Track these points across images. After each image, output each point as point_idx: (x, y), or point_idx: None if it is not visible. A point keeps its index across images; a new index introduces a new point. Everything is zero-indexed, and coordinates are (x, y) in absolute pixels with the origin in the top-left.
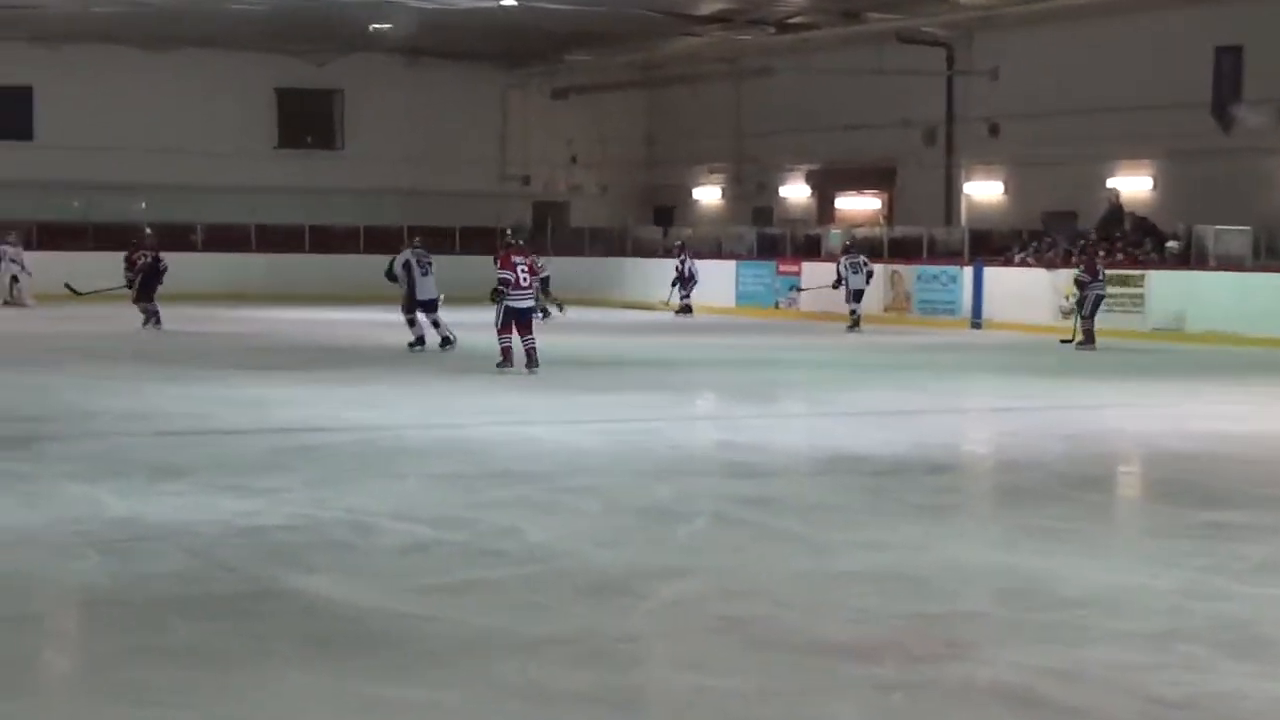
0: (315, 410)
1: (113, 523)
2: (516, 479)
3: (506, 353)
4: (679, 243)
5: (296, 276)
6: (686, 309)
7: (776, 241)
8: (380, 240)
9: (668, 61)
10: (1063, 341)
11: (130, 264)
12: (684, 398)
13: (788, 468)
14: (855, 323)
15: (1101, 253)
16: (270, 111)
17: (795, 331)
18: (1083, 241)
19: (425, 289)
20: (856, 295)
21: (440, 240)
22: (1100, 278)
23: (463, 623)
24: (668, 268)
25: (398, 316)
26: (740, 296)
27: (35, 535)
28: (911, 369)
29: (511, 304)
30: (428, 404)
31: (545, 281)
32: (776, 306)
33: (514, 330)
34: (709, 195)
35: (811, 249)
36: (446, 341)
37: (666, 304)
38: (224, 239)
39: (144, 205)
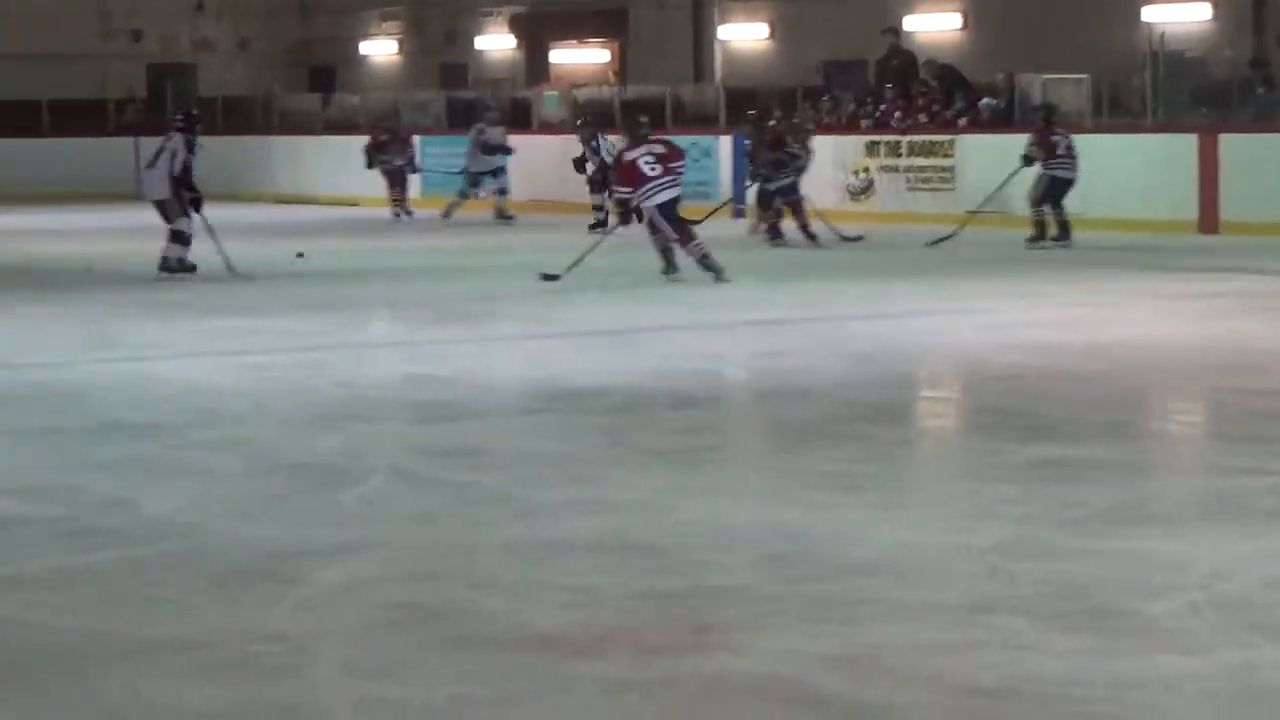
0: None
1: None
2: (130, 433)
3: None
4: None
5: None
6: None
7: (474, 109)
8: None
9: None
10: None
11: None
12: (357, 319)
13: (493, 408)
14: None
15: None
16: None
17: (502, 228)
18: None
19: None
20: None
21: (25, 118)
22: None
23: (53, 626)
24: (331, 147)
25: None
26: (428, 183)
27: None
28: (654, 274)
29: None
30: (13, 337)
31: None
32: (476, 196)
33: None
34: (382, 50)
35: (521, 118)
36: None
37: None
38: None
39: None
